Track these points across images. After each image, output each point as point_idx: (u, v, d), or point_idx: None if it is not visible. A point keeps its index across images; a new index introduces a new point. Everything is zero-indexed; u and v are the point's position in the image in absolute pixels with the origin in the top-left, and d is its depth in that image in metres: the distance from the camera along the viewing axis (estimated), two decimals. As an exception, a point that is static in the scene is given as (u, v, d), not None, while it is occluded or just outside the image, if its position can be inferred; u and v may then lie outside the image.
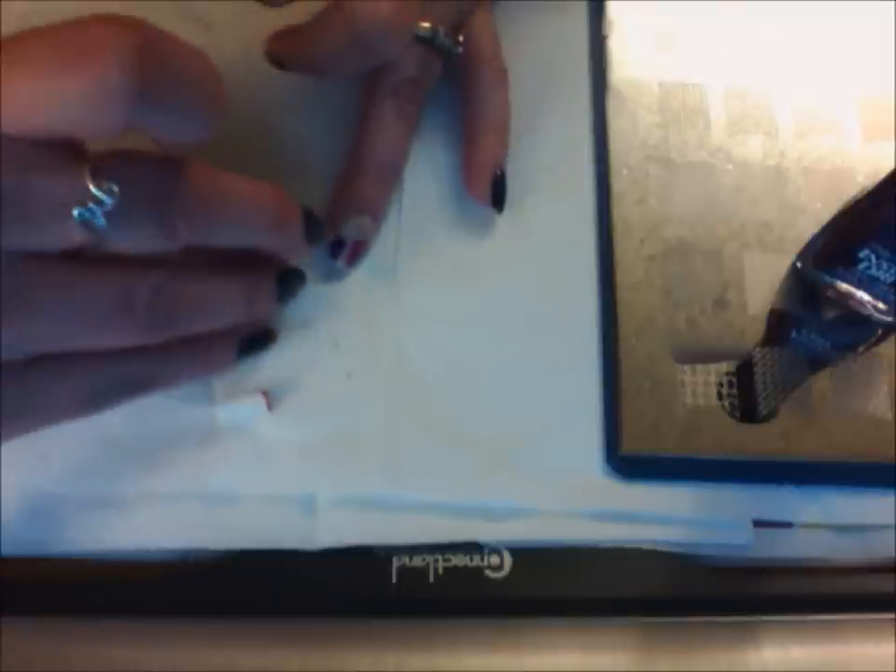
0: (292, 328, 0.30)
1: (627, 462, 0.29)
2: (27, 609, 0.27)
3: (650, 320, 0.30)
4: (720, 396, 0.29)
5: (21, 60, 0.19)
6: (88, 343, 0.23)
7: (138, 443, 0.28)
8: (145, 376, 0.25)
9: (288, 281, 0.29)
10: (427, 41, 0.29)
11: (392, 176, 0.31)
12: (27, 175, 0.19)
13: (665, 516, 0.29)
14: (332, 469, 0.29)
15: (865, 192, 0.30)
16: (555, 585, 0.28)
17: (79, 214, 0.20)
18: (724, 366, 0.30)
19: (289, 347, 0.30)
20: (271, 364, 0.29)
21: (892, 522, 0.29)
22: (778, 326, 0.31)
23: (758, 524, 0.29)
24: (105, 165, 0.21)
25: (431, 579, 0.28)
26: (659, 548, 0.29)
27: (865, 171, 0.33)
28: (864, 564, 0.29)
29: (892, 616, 0.28)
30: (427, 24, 0.29)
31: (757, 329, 0.30)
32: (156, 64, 0.19)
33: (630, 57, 0.35)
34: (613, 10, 0.36)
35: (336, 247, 0.30)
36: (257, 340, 0.29)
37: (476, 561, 0.28)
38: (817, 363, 0.30)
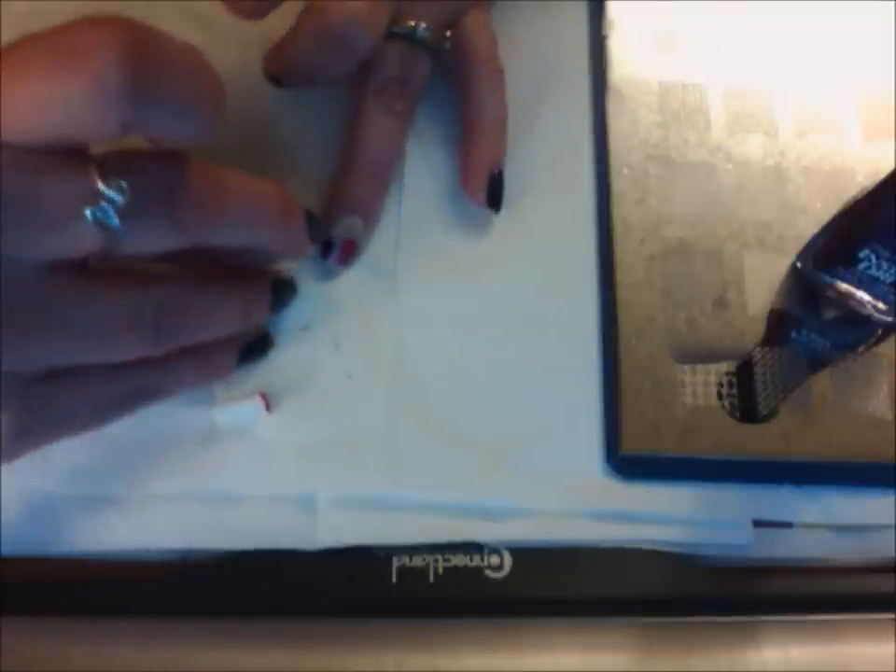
0: (292, 329, 0.30)
1: (627, 462, 0.29)
2: (27, 608, 0.27)
3: (650, 320, 0.30)
4: (720, 396, 0.29)
5: (16, 68, 0.19)
6: (97, 357, 0.23)
7: (138, 444, 0.28)
8: (150, 387, 0.26)
9: (281, 291, 0.29)
10: (406, 38, 0.30)
11: (384, 175, 0.31)
12: (36, 180, 0.19)
13: (665, 516, 0.29)
14: (332, 470, 0.29)
15: (865, 192, 0.30)
16: (555, 585, 0.28)
17: (92, 213, 0.20)
18: (724, 366, 0.30)
19: (290, 348, 0.30)
20: (271, 365, 0.29)
21: (892, 522, 0.29)
22: (778, 326, 0.31)
23: (758, 524, 0.29)
24: (112, 163, 0.21)
25: (431, 579, 0.28)
26: (659, 548, 0.29)
27: (865, 171, 0.33)
28: (864, 564, 0.29)
29: (892, 616, 0.28)
30: (407, 22, 0.29)
31: (757, 329, 0.30)
32: (150, 60, 0.19)
33: (630, 57, 0.35)
34: (613, 10, 0.36)
35: (326, 247, 0.30)
36: (256, 346, 0.29)
37: (476, 561, 0.28)
38: (817, 363, 0.30)
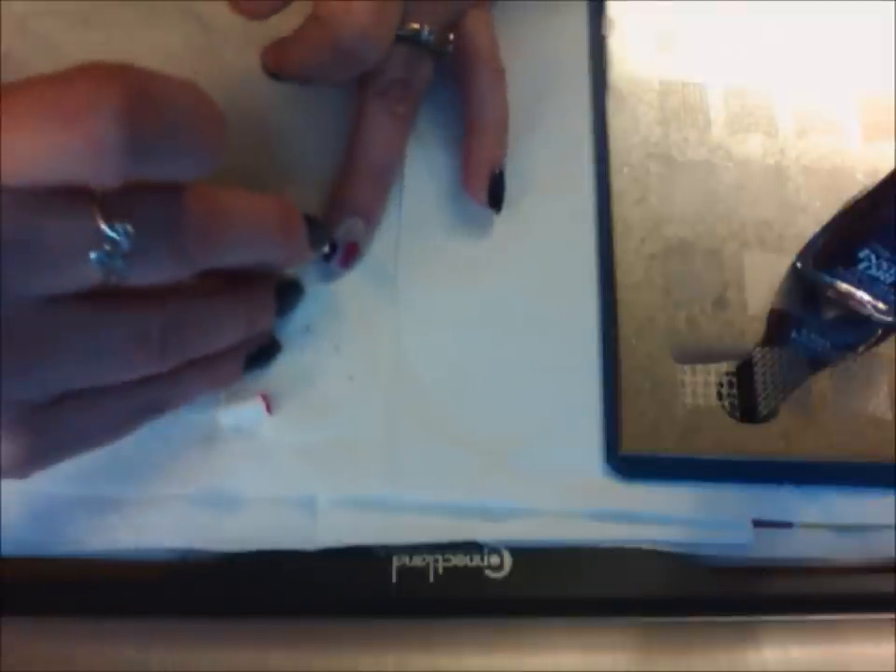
0: (294, 332, 0.30)
1: (627, 462, 0.29)
2: (27, 608, 0.27)
3: (650, 320, 0.30)
4: (720, 396, 0.29)
5: (9, 118, 0.19)
6: (106, 378, 0.23)
7: (140, 445, 0.28)
8: (158, 402, 0.26)
9: (287, 295, 0.29)
10: (411, 41, 0.29)
11: (385, 177, 0.31)
12: (39, 223, 0.19)
13: (665, 516, 0.29)
14: (333, 471, 0.29)
15: (865, 192, 0.30)
16: (555, 585, 0.28)
17: (97, 256, 0.20)
18: (724, 366, 0.30)
19: (291, 350, 0.30)
20: (273, 367, 0.29)
21: (892, 522, 0.29)
22: (778, 326, 0.31)
23: (758, 524, 0.29)
24: (115, 204, 0.20)
25: (431, 579, 0.28)
26: (659, 548, 0.29)
27: (865, 171, 0.33)
28: (864, 564, 0.29)
29: (892, 616, 0.28)
30: (412, 25, 0.29)
31: (757, 329, 0.30)
32: (148, 115, 0.19)
33: (630, 56, 0.35)
34: (613, 10, 0.36)
35: (328, 250, 0.30)
36: (262, 353, 0.29)
37: (476, 561, 0.28)
38: (817, 363, 0.30)
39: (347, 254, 0.31)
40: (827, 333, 0.30)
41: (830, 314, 0.31)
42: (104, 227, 0.20)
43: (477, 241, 0.32)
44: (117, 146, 0.19)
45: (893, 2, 0.36)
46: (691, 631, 0.28)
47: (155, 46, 0.33)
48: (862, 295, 0.29)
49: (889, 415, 0.29)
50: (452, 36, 0.31)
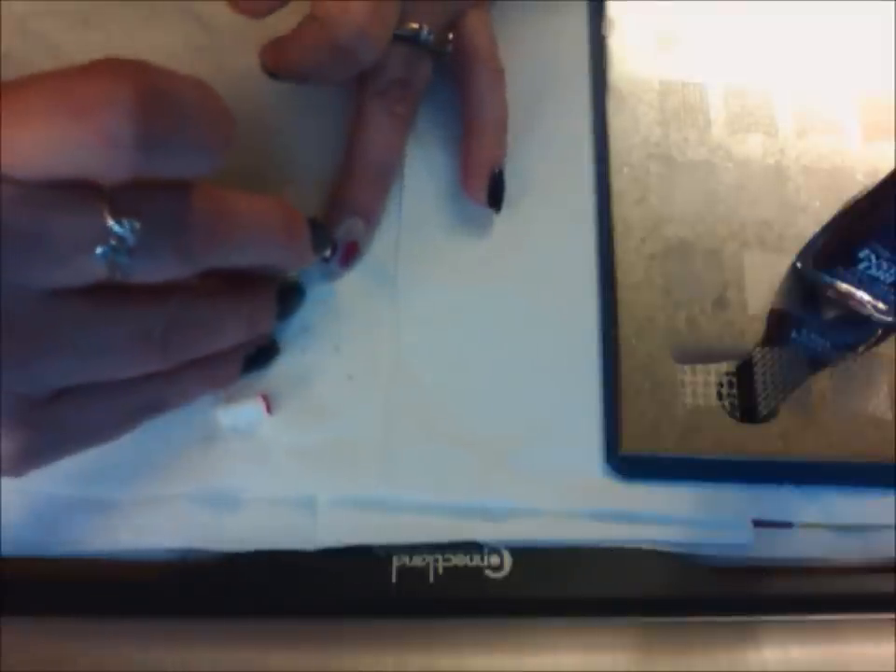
0: (293, 331, 0.30)
1: (627, 462, 0.29)
2: (27, 609, 0.27)
3: (650, 320, 0.30)
4: (720, 396, 0.29)
5: (23, 110, 0.19)
6: (106, 375, 0.23)
7: (139, 445, 0.28)
8: (157, 400, 0.26)
9: (289, 298, 0.29)
10: (410, 41, 0.29)
11: (385, 177, 0.31)
12: (45, 217, 0.19)
13: (665, 516, 0.29)
14: (332, 471, 0.29)
15: (865, 192, 0.30)
16: (555, 585, 0.28)
17: (103, 251, 0.20)
18: (724, 366, 0.30)
19: (291, 350, 0.30)
20: (273, 368, 0.29)
21: (892, 522, 0.29)
22: (778, 326, 0.31)
23: (758, 524, 0.29)
24: (123, 200, 0.20)
25: (431, 579, 0.28)
26: (659, 548, 0.29)
27: (865, 171, 0.33)
28: (864, 564, 0.29)
29: (892, 616, 0.28)
30: (411, 24, 0.29)
31: (757, 329, 0.30)
32: (160, 111, 0.19)
33: (630, 56, 0.35)
34: (613, 10, 0.36)
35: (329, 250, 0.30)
36: (261, 355, 0.29)
37: (476, 561, 0.28)
38: (817, 363, 0.30)
39: (347, 254, 0.31)
40: (827, 333, 0.30)
41: (830, 314, 0.31)
42: (111, 222, 0.20)
43: (477, 241, 0.32)
44: (128, 140, 0.19)
45: (893, 2, 0.36)
46: (691, 631, 0.28)
47: (155, 46, 0.33)
48: (862, 295, 0.29)
49: (889, 415, 0.29)
50: (451, 36, 0.31)
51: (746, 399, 0.29)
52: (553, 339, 0.31)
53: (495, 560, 0.28)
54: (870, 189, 0.29)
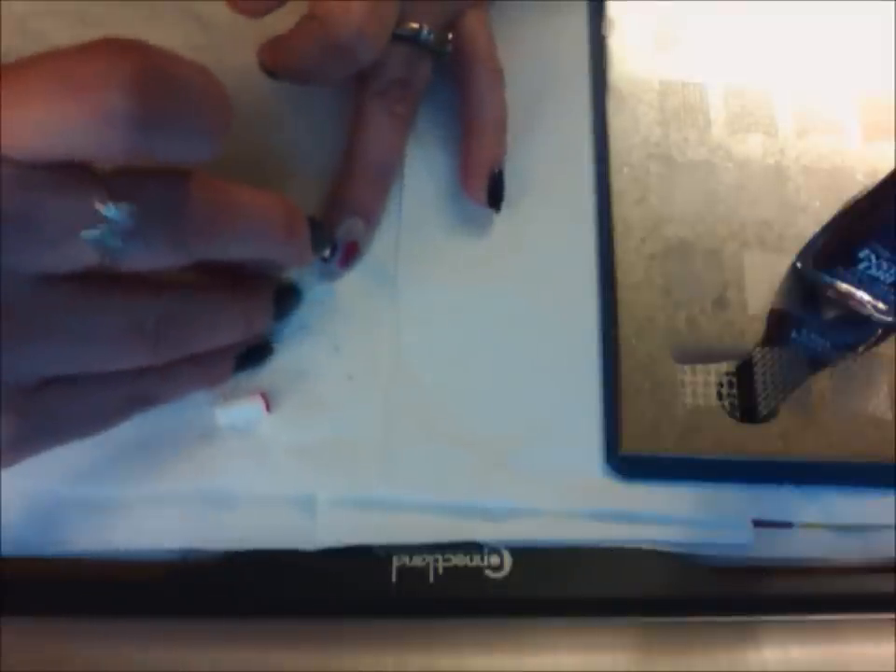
0: (293, 331, 0.30)
1: (627, 462, 0.29)
2: (27, 609, 0.27)
3: (650, 320, 0.30)
4: (720, 396, 0.29)
5: (22, 90, 0.19)
6: (97, 366, 0.23)
7: (139, 444, 0.28)
8: (148, 394, 0.26)
9: (286, 299, 0.29)
10: (410, 40, 0.29)
11: (385, 177, 0.31)
12: (39, 198, 0.19)
13: (665, 516, 0.29)
14: (332, 470, 0.29)
15: (865, 192, 0.30)
16: (555, 585, 0.28)
17: (94, 235, 0.20)
18: (724, 366, 0.30)
19: (290, 349, 0.30)
20: (272, 366, 0.29)
21: (892, 522, 0.29)
22: (778, 326, 0.31)
23: (758, 524, 0.29)
24: (118, 185, 0.20)
25: (431, 579, 0.28)
26: (659, 548, 0.29)
27: (865, 171, 0.33)
28: (864, 564, 0.29)
29: (892, 616, 0.28)
30: (411, 24, 0.29)
31: (757, 329, 0.30)
32: (159, 90, 0.19)
33: (630, 56, 0.35)
34: (613, 10, 0.36)
35: (329, 250, 0.30)
36: (253, 354, 0.29)
37: (476, 561, 0.28)
38: (817, 363, 0.30)
39: (347, 254, 0.31)
40: (827, 333, 0.30)
41: (830, 314, 0.31)
42: (104, 206, 0.20)
43: (477, 241, 0.32)
44: (124, 118, 0.18)
45: (893, 2, 0.36)
46: (691, 631, 0.28)
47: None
48: (862, 295, 0.29)
49: (889, 415, 0.29)
50: (450, 36, 0.31)
51: (746, 399, 0.29)
52: (552, 339, 0.31)
53: (495, 560, 0.28)
54: (870, 188, 0.29)
